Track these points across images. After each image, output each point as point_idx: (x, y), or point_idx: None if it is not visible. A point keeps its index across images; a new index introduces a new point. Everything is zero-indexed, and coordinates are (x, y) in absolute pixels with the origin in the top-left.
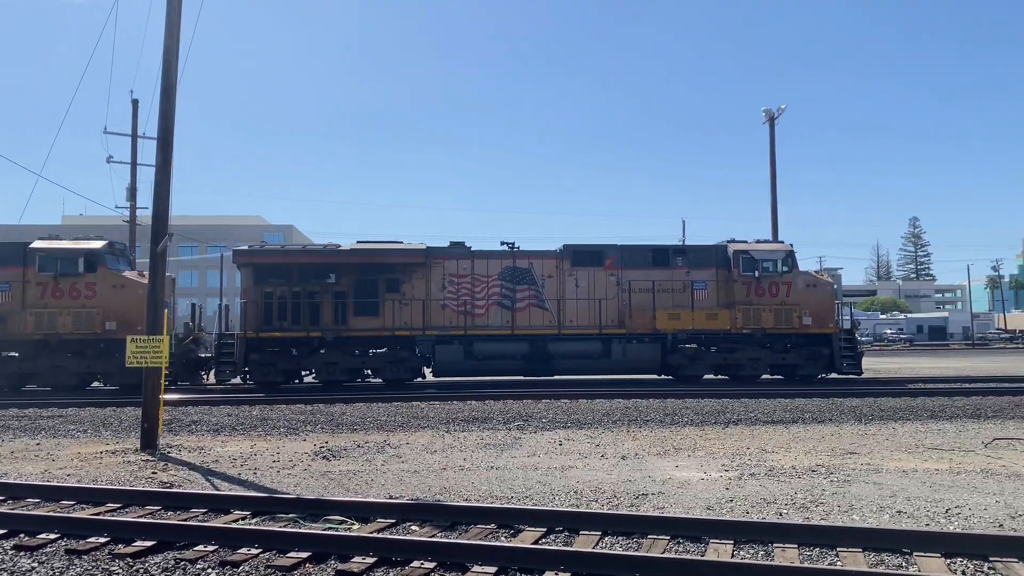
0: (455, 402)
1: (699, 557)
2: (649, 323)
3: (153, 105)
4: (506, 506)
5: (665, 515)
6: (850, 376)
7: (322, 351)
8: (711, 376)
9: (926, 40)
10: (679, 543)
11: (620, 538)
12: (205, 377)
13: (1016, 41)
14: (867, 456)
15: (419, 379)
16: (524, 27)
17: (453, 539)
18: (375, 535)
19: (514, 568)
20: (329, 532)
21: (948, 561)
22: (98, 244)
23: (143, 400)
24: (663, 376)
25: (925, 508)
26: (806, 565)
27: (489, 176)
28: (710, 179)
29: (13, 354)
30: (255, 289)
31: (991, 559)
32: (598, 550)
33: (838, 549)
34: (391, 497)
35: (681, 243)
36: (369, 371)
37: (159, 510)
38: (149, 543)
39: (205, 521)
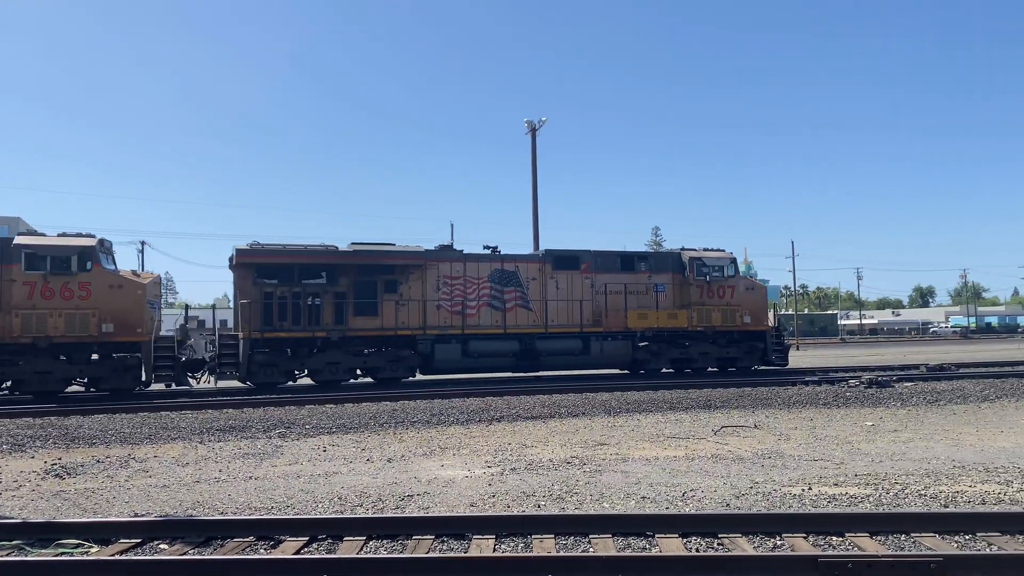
0: (210, 411)
1: (461, 555)
2: (622, 322)
3: None
4: (265, 517)
5: (429, 515)
6: (777, 367)
7: (324, 351)
8: (667, 370)
9: (657, 80)
10: (443, 542)
11: (385, 541)
12: (197, 380)
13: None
14: (615, 447)
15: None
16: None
17: (206, 555)
18: (116, 558)
19: None
20: (61, 559)
21: (684, 540)
22: (91, 241)
23: None
24: (623, 371)
25: (665, 493)
26: (561, 554)
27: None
28: (478, 184)
29: None
30: (255, 289)
31: (720, 535)
32: (361, 555)
33: (590, 536)
34: (136, 515)
35: (644, 250)
36: (360, 371)
37: None
38: None
39: None
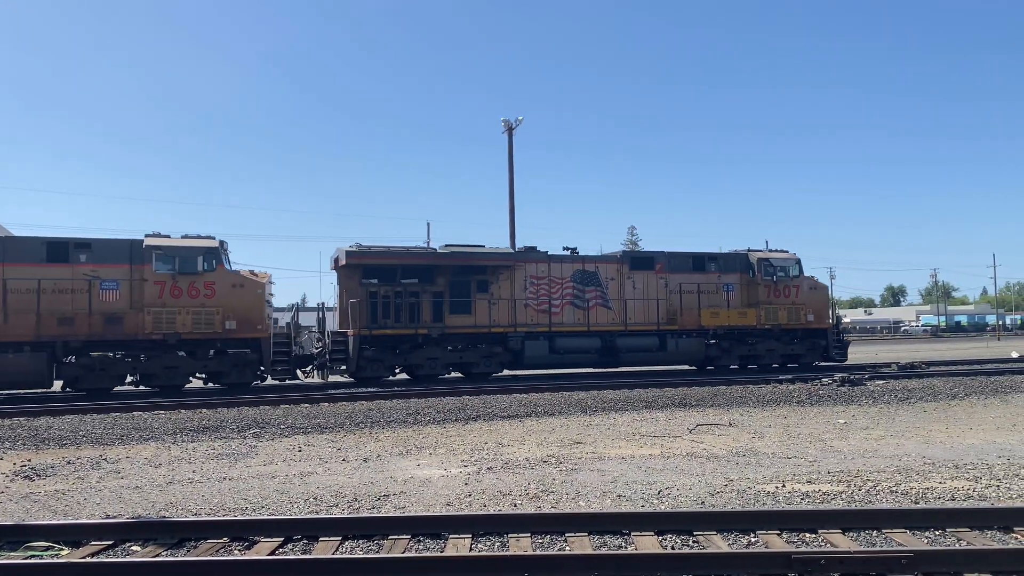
0: (183, 411)
1: (438, 554)
2: (695, 320)
3: None
4: (239, 518)
5: (405, 515)
6: (837, 362)
7: (423, 347)
8: (734, 366)
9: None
10: (420, 541)
11: (361, 541)
12: (305, 375)
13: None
14: (592, 445)
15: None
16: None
17: (180, 557)
18: (87, 560)
19: None
20: (30, 562)
21: (660, 538)
22: (214, 242)
23: None
24: (691, 367)
25: (641, 491)
26: (537, 553)
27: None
28: (454, 183)
29: (113, 354)
30: (361, 289)
31: (695, 533)
32: (336, 555)
33: (567, 535)
34: (108, 517)
35: (714, 252)
36: (454, 366)
37: None
38: None
39: None
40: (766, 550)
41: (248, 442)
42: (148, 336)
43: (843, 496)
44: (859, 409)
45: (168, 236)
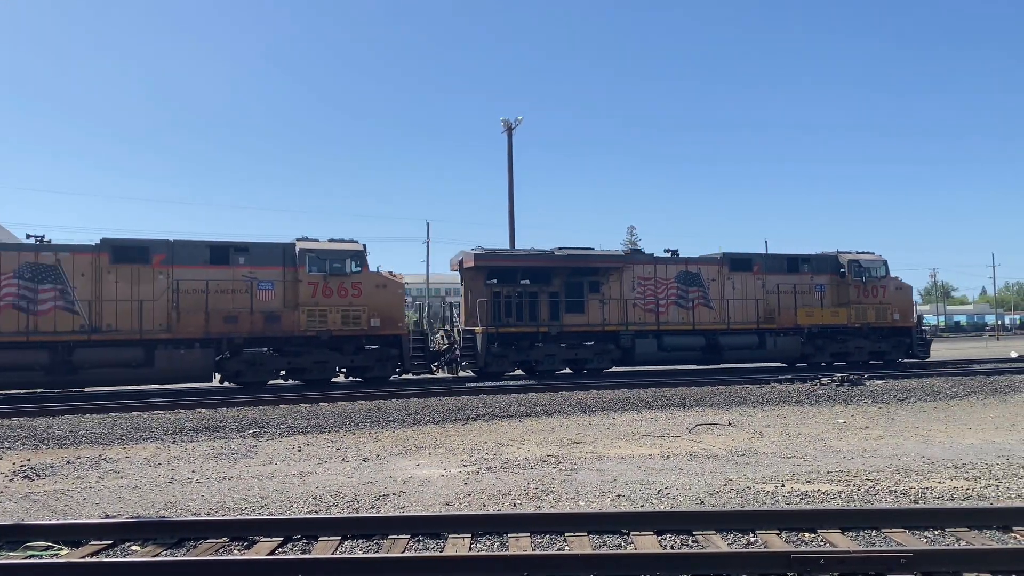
0: (182, 411)
1: (437, 554)
2: (792, 319)
3: None
4: (239, 517)
5: (405, 514)
6: (920, 359)
7: (543, 344)
8: (825, 362)
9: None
10: (419, 541)
11: (360, 541)
12: (435, 370)
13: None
14: (591, 445)
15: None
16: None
17: (179, 557)
18: (86, 560)
19: None
20: (30, 562)
21: (659, 538)
22: (359, 246)
23: None
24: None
25: (640, 491)
26: (537, 552)
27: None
28: (455, 183)
29: (268, 350)
30: (486, 289)
31: (694, 533)
32: (336, 555)
33: (566, 534)
34: (107, 516)
35: (808, 253)
36: (569, 362)
37: None
38: None
39: None
40: (765, 550)
41: (247, 442)
42: (303, 333)
43: (842, 496)
44: (858, 409)
45: (316, 240)
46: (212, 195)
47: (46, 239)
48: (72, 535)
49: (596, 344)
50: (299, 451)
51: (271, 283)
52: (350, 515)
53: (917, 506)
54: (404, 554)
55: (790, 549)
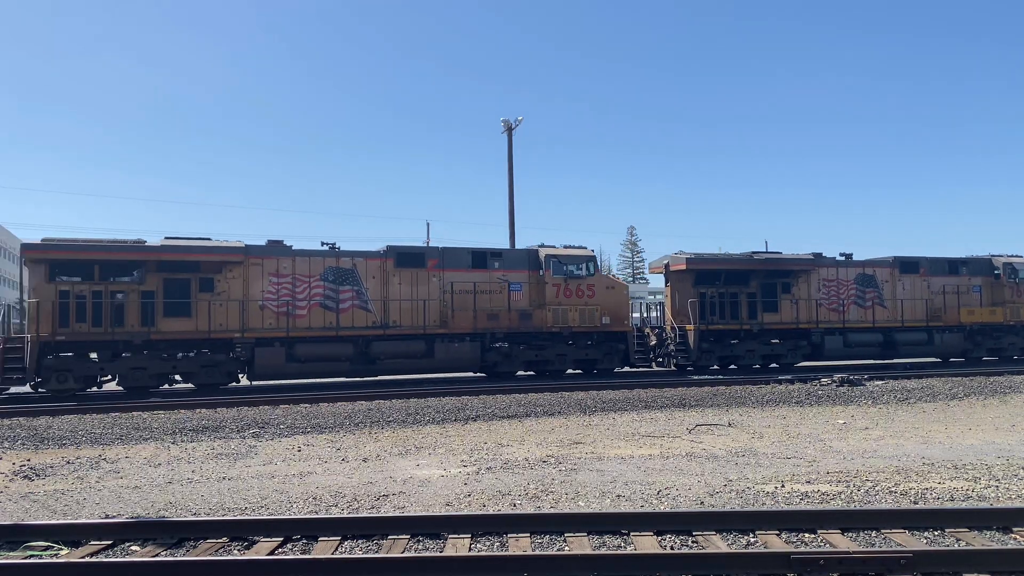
0: (182, 411)
1: (437, 554)
2: (955, 317)
3: None
4: (238, 518)
5: (405, 515)
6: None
7: (743, 340)
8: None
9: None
10: (419, 541)
11: (360, 541)
12: (651, 364)
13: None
14: (591, 445)
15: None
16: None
17: (179, 557)
18: (86, 560)
19: None
20: (30, 562)
21: (659, 538)
22: (591, 252)
23: None
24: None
25: (640, 491)
26: (537, 553)
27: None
28: (455, 183)
29: (510, 345)
30: (694, 290)
31: (694, 533)
32: (336, 555)
33: (566, 535)
34: (107, 516)
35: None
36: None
37: None
38: None
39: None
40: (765, 550)
41: (247, 442)
42: (549, 329)
43: (842, 496)
44: (858, 409)
45: (555, 247)
46: (211, 194)
47: (337, 246)
48: (72, 535)
49: (790, 340)
50: (299, 451)
51: (520, 285)
52: (350, 515)
53: (917, 507)
54: (404, 554)
55: (790, 550)
